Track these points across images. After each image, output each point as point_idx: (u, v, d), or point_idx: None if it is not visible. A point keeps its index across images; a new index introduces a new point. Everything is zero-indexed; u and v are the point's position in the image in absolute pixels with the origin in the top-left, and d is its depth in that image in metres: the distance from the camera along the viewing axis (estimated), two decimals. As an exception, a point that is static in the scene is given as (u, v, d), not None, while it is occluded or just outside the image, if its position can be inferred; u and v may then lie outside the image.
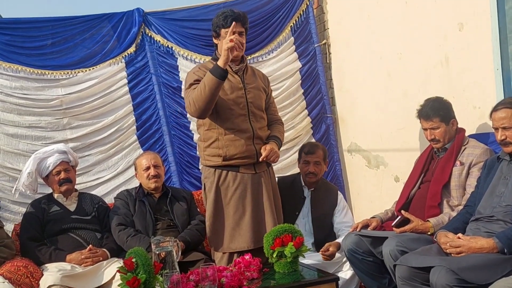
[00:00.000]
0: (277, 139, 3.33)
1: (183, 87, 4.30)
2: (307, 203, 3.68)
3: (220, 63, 3.00)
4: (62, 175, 3.47)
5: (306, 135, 4.69)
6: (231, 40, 2.98)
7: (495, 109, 2.68)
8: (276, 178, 3.56)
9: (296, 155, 4.52)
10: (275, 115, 3.50)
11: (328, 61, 4.81)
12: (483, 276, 2.28)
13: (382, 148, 4.23)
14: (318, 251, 3.48)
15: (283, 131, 3.49)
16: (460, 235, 2.55)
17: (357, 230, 3.14)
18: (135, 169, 3.70)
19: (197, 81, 3.16)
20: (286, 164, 4.55)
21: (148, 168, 3.56)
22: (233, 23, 3.06)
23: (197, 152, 4.31)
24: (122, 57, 4.29)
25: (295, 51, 4.68)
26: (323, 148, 3.83)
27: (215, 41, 3.31)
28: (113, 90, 4.26)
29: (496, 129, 2.67)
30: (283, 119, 3.67)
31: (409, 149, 3.82)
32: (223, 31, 3.19)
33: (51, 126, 4.08)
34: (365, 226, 3.17)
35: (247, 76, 3.31)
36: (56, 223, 3.39)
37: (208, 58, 4.27)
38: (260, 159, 3.20)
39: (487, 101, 3.08)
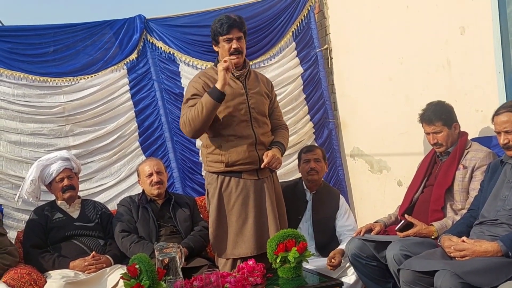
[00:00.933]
0: (280, 145, 3.32)
1: (185, 93, 4.33)
2: (309, 207, 3.69)
3: (218, 85, 3.02)
4: (65, 182, 3.47)
5: (309, 140, 4.69)
6: (225, 61, 2.99)
7: (496, 113, 2.68)
8: (279, 184, 3.56)
9: (299, 160, 4.53)
10: (279, 120, 3.48)
11: (329, 66, 4.81)
12: (487, 280, 2.27)
13: (384, 152, 4.23)
14: (321, 255, 3.47)
15: (288, 136, 3.47)
16: (464, 238, 2.54)
17: (361, 234, 3.13)
18: (138, 176, 3.70)
19: (194, 95, 3.18)
20: (289, 169, 4.54)
21: (151, 175, 3.56)
22: (230, 42, 3.05)
23: (200, 158, 4.33)
24: (124, 63, 4.30)
25: (296, 56, 4.68)
26: (321, 148, 3.91)
27: (215, 48, 3.32)
28: (115, 97, 4.27)
29: (499, 133, 2.66)
30: (285, 124, 3.67)
31: (411, 153, 3.81)
32: (220, 38, 3.20)
33: (54, 133, 4.08)
34: (369, 230, 3.16)
35: (249, 82, 3.31)
36: (59, 230, 3.39)
37: (210, 64, 4.29)
38: (262, 166, 3.19)
39: (490, 104, 3.07)
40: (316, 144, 4.57)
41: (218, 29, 3.19)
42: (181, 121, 3.18)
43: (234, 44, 3.18)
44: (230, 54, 3.19)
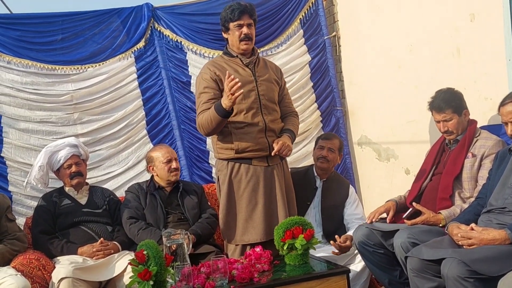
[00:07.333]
0: (290, 132, 3.32)
1: (192, 81, 4.32)
2: (318, 193, 3.69)
3: (225, 104, 3.01)
4: (73, 168, 3.49)
5: (316, 128, 4.68)
6: (235, 84, 2.92)
7: (502, 103, 2.66)
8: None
9: (306, 148, 4.54)
10: (289, 107, 3.48)
11: (338, 54, 4.79)
12: (495, 268, 2.26)
13: (392, 140, 4.21)
14: (328, 242, 3.47)
15: (298, 123, 3.46)
16: (473, 225, 2.53)
17: (374, 219, 3.10)
18: (147, 163, 3.69)
19: (206, 87, 3.20)
20: (297, 157, 4.53)
21: (169, 161, 3.55)
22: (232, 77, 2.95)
23: (207, 146, 4.33)
24: (132, 52, 4.30)
25: (304, 44, 4.66)
26: (340, 139, 3.86)
27: (224, 35, 3.32)
28: (123, 85, 4.27)
29: (506, 123, 2.65)
30: (292, 113, 3.65)
31: (419, 141, 3.80)
32: (231, 24, 3.21)
33: (62, 121, 4.10)
34: (382, 218, 3.14)
35: (258, 69, 3.30)
36: (67, 216, 3.41)
37: (217, 52, 4.29)
38: (272, 153, 3.19)
39: (499, 92, 3.05)
40: (323, 132, 4.56)
41: (229, 15, 3.20)
42: (197, 122, 3.26)
43: (245, 30, 3.20)
44: (241, 41, 3.21)
